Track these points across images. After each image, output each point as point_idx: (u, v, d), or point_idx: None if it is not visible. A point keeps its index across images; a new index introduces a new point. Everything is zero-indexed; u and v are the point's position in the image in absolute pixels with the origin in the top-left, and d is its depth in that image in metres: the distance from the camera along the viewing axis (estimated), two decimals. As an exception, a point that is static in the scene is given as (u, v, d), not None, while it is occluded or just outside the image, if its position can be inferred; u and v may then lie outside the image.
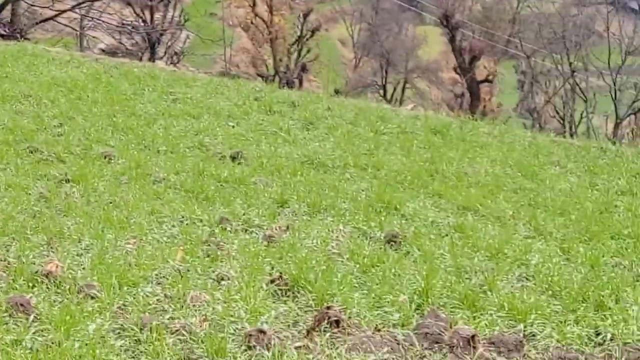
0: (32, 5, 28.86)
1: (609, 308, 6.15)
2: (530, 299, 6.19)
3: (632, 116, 37.32)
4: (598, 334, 5.69)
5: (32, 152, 9.89)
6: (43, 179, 8.91)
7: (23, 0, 27.84)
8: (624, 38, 41.06)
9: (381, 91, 47.58)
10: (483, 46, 37.79)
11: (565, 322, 5.89)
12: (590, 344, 5.59)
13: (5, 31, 24.49)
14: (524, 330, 5.69)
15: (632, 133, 35.36)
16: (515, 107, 45.59)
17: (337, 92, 33.62)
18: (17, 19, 27.07)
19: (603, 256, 7.44)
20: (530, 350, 5.43)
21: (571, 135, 32.28)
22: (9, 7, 27.50)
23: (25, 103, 12.51)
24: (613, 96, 38.02)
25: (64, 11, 30.07)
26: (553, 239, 8.02)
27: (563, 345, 5.52)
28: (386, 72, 49.83)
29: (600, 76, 40.18)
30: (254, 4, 35.54)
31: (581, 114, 38.74)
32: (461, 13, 43.65)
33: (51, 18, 30.10)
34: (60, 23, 31.21)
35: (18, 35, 24.20)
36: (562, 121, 37.90)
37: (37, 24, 29.85)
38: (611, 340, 5.59)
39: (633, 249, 7.77)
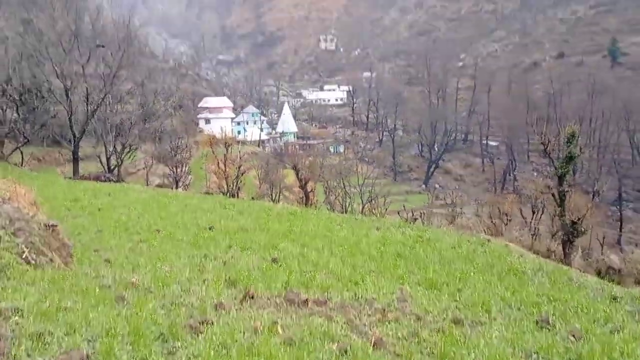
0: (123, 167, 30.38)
1: (359, 284, 6.27)
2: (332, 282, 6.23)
3: (368, 203, 38.43)
4: (356, 295, 5.78)
5: (126, 230, 9.54)
6: (131, 241, 8.57)
7: (118, 165, 29.49)
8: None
9: (271, 197, 47.30)
10: (309, 177, 38.39)
11: (343, 291, 5.97)
12: (352, 300, 5.66)
13: (114, 179, 24.96)
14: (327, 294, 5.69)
15: (369, 211, 36.15)
16: (323, 201, 46.24)
17: (252, 198, 33.35)
18: (119, 174, 28.50)
19: (358, 263, 7.58)
20: (330, 304, 5.41)
21: (345, 213, 32.73)
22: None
23: (124, 209, 12.23)
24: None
25: (139, 170, 33.02)
26: (338, 256, 8.09)
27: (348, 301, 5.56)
28: (272, 188, 49.85)
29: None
30: (218, 164, 35.85)
31: (349, 204, 39.49)
32: (301, 164, 44.65)
33: (133, 173, 32.15)
34: (137, 175, 32.65)
35: (121, 180, 25.44)
36: (342, 207, 38.43)
37: (127, 175, 30.84)
38: (360, 297, 5.69)
39: (376, 260, 7.84)
